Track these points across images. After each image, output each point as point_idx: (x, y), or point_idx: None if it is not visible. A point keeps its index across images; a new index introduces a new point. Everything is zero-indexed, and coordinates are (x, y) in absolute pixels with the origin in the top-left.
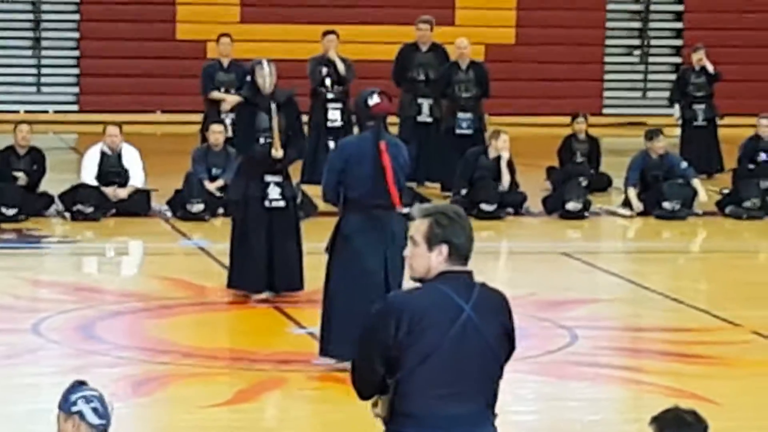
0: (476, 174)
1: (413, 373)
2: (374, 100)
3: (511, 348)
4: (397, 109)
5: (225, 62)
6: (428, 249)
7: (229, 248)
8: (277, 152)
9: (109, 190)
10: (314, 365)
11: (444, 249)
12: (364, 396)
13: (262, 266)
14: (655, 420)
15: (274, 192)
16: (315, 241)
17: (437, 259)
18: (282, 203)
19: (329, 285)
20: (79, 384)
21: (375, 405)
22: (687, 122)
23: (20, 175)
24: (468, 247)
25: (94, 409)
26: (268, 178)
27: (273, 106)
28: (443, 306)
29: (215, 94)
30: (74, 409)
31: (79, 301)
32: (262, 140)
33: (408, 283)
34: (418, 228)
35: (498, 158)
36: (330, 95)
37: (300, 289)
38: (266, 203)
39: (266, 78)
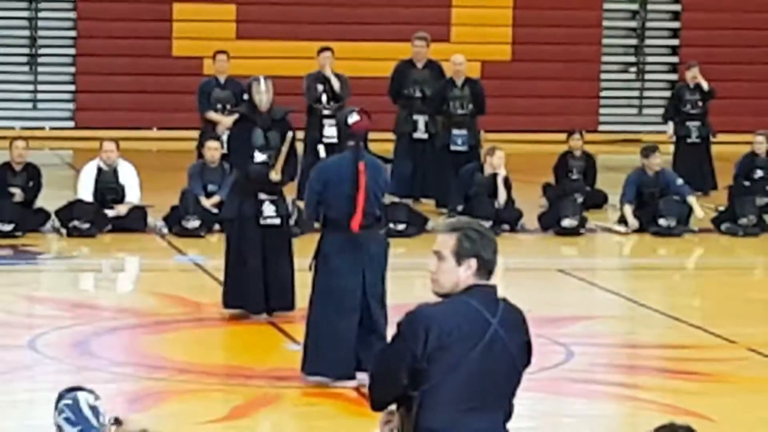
0: (472, 190)
1: (439, 386)
2: (353, 118)
3: (529, 361)
4: (393, 126)
5: (221, 79)
6: (457, 263)
7: (224, 267)
8: (276, 176)
9: (111, 213)
10: (309, 382)
11: (473, 263)
12: (378, 407)
13: (259, 285)
14: None
15: (268, 210)
16: (310, 257)
17: (466, 274)
18: (277, 221)
19: (311, 303)
20: (59, 396)
21: (386, 423)
22: (680, 139)
23: (16, 191)
24: (494, 261)
25: (67, 419)
26: (263, 196)
27: (289, 134)
28: (472, 320)
29: (212, 115)
30: (56, 424)
31: (75, 317)
32: (258, 157)
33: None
34: (445, 243)
35: (494, 175)
36: (326, 112)
37: (292, 309)
38: (261, 221)
39: (263, 95)
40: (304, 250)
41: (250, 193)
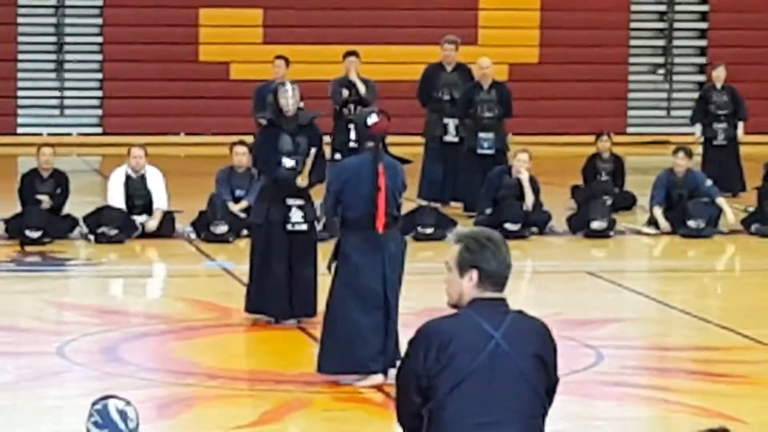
0: (500, 194)
1: (445, 401)
2: (373, 119)
3: (551, 378)
4: (422, 129)
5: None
6: (459, 275)
7: (248, 271)
8: (303, 182)
9: (140, 219)
10: (339, 384)
11: (474, 275)
12: (407, 430)
13: (285, 291)
14: None
15: (296, 215)
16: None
17: (468, 285)
18: (304, 226)
19: (330, 301)
20: (92, 404)
21: None
22: (708, 141)
23: (44, 198)
24: (501, 272)
25: (95, 423)
26: (290, 201)
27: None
28: (472, 333)
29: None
30: (86, 428)
31: (104, 323)
32: (286, 162)
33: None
34: (451, 253)
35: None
36: (352, 116)
37: (314, 315)
38: (288, 226)
39: (289, 100)
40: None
41: (277, 198)
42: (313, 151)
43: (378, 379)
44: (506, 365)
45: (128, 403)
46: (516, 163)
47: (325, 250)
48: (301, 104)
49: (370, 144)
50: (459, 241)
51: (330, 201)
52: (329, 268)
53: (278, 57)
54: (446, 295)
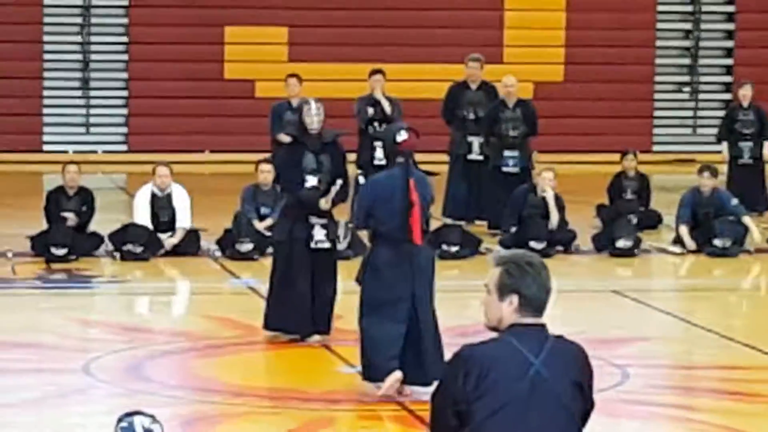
0: (525, 212)
1: (483, 426)
2: (402, 136)
3: (587, 402)
4: (447, 148)
5: (294, 102)
6: (499, 299)
7: (268, 287)
8: (327, 204)
9: (162, 237)
10: (364, 402)
11: (514, 299)
12: None
13: (308, 308)
14: None
15: (319, 233)
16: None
17: (508, 310)
18: (327, 244)
19: (362, 314)
20: (118, 420)
21: None
22: (733, 160)
23: (70, 215)
24: (541, 298)
25: None
26: (313, 219)
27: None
28: (512, 360)
29: (283, 137)
30: None
31: (129, 340)
32: (309, 181)
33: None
34: (491, 276)
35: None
36: (378, 133)
37: (328, 333)
38: (312, 244)
39: (314, 118)
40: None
41: (301, 216)
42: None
43: (395, 376)
44: (545, 392)
45: (154, 419)
46: (541, 181)
47: (348, 268)
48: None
49: (400, 159)
50: (500, 265)
51: (361, 215)
52: (358, 281)
53: (290, 75)
54: (484, 317)
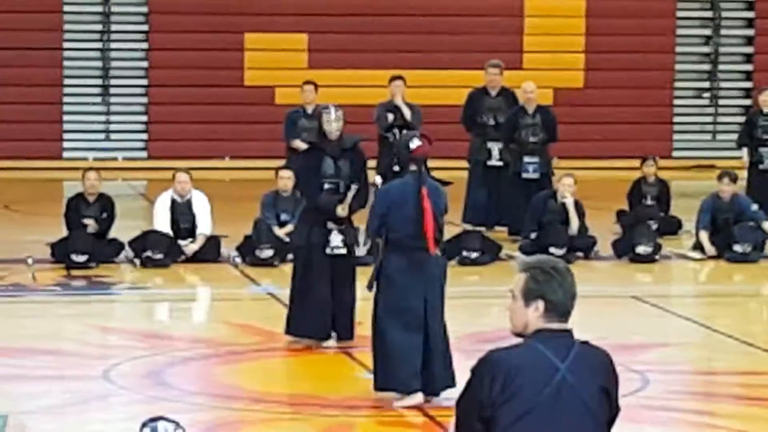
0: (545, 218)
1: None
2: (415, 143)
3: (613, 408)
4: (467, 154)
5: (309, 109)
6: (525, 304)
7: (289, 294)
8: (344, 211)
9: (182, 244)
10: (384, 408)
11: (540, 305)
12: None
13: (327, 313)
14: None
15: (336, 239)
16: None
17: (534, 315)
18: (343, 251)
19: (374, 321)
20: (142, 425)
21: None
22: (753, 165)
23: (90, 222)
24: (566, 303)
25: None
26: (331, 225)
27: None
28: (538, 365)
29: (297, 144)
30: None
31: (149, 347)
32: (326, 186)
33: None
34: (517, 282)
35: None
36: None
37: (351, 339)
38: (327, 250)
39: (333, 123)
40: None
41: (319, 221)
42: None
43: (418, 398)
44: (571, 398)
45: (178, 425)
46: (561, 187)
47: (367, 273)
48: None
49: (413, 167)
50: (525, 271)
51: (375, 223)
52: (370, 287)
53: (307, 82)
54: (510, 323)
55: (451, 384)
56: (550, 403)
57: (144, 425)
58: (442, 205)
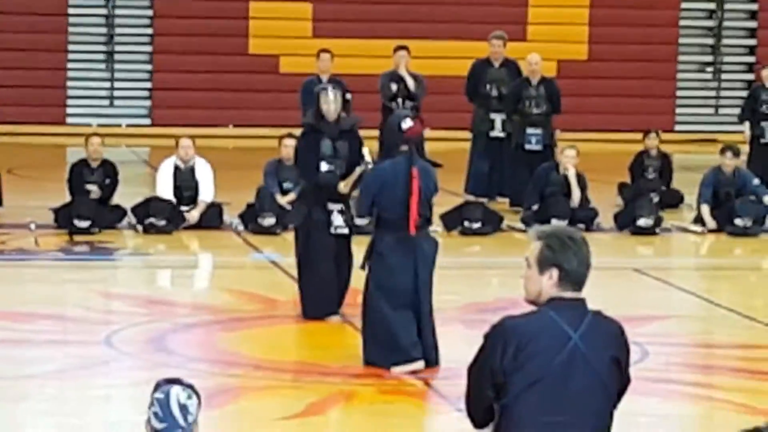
0: (547, 189)
1: (519, 398)
2: (407, 124)
3: (624, 379)
4: (469, 125)
5: (324, 77)
6: (539, 272)
7: (298, 278)
8: (345, 188)
9: (184, 210)
10: (385, 377)
11: (554, 273)
12: (477, 424)
13: (333, 291)
14: None
15: (338, 219)
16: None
17: (548, 284)
18: (346, 230)
19: (366, 298)
20: (156, 385)
21: None
22: (755, 139)
23: (93, 188)
24: (581, 272)
25: (155, 414)
26: (331, 205)
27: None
28: (551, 333)
29: None
30: (147, 414)
31: (151, 313)
32: (324, 167)
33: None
34: (532, 250)
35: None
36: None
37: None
38: (332, 230)
39: (330, 104)
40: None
41: (319, 201)
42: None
43: (419, 364)
44: (583, 366)
45: (191, 393)
46: (563, 159)
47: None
48: (348, 96)
49: (404, 148)
50: (541, 239)
51: (365, 203)
52: (363, 267)
53: (323, 50)
54: (524, 290)
55: (436, 363)
56: (561, 371)
57: (157, 387)
58: (432, 186)
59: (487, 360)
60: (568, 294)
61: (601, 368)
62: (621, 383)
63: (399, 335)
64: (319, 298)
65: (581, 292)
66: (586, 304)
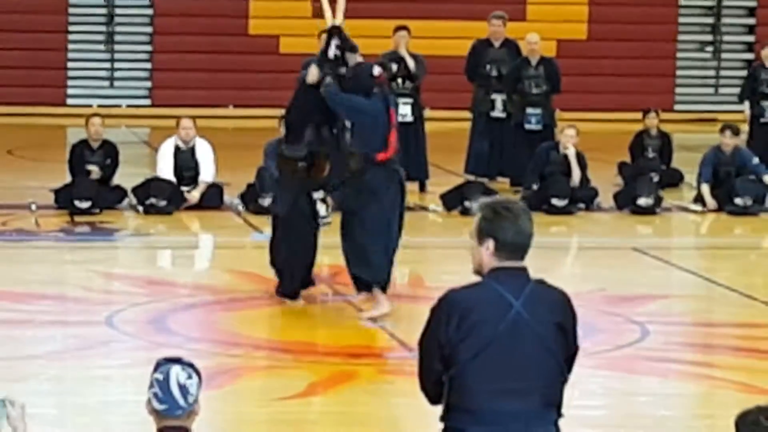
0: (547, 169)
1: (466, 368)
2: (377, 71)
3: (571, 346)
4: (470, 105)
5: None
6: (478, 243)
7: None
8: (338, 19)
9: (184, 190)
10: (386, 357)
11: (491, 244)
12: (431, 399)
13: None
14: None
15: (322, 209)
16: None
17: (486, 254)
18: (330, 219)
19: (353, 230)
20: (156, 364)
21: None
22: (755, 119)
23: (94, 168)
24: (517, 242)
25: (155, 394)
26: (315, 195)
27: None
28: (492, 302)
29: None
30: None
31: (152, 294)
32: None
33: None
34: (473, 222)
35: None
36: (401, 91)
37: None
38: (320, 221)
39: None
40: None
41: (303, 190)
42: None
43: (385, 308)
44: (526, 333)
45: (191, 372)
46: (563, 138)
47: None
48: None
49: (376, 90)
50: (479, 210)
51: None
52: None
53: (324, 32)
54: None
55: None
56: (506, 338)
57: (157, 367)
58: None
59: (434, 332)
60: (508, 263)
61: (545, 335)
62: (568, 349)
63: (380, 259)
64: (296, 284)
65: (522, 261)
66: (527, 273)
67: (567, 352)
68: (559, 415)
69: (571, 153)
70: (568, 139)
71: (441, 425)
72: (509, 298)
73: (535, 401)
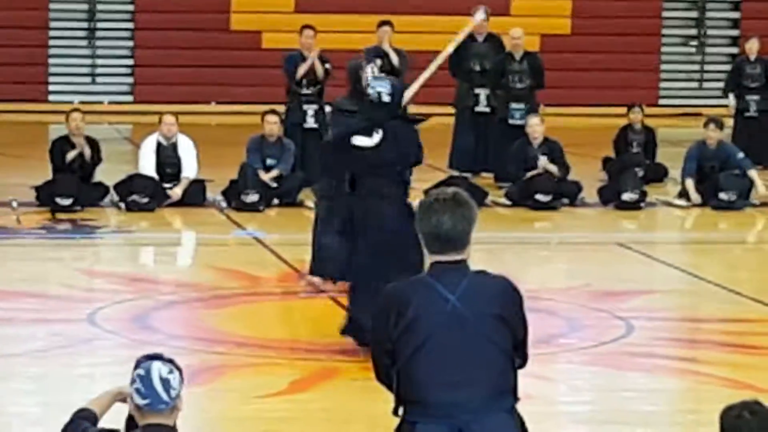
0: (527, 165)
1: (410, 363)
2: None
3: (518, 333)
4: (454, 100)
5: (307, 54)
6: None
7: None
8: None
9: (167, 187)
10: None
11: (422, 239)
12: (384, 385)
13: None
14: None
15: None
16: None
17: (425, 250)
18: None
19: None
20: (136, 363)
21: None
22: (740, 113)
23: (73, 154)
24: (443, 235)
25: (137, 390)
26: None
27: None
28: (428, 297)
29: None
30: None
31: (134, 291)
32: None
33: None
34: None
35: (542, 146)
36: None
37: None
38: None
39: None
40: None
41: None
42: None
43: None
44: (465, 327)
45: (172, 367)
46: (529, 129)
47: None
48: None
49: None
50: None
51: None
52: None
53: (306, 27)
54: None
55: None
56: (444, 332)
57: (138, 365)
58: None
59: (377, 329)
60: (444, 257)
61: (484, 327)
62: (514, 337)
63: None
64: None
65: (460, 254)
66: (466, 266)
67: (514, 340)
68: (516, 399)
69: (542, 163)
70: (534, 130)
71: (396, 420)
72: (444, 292)
73: (482, 391)
